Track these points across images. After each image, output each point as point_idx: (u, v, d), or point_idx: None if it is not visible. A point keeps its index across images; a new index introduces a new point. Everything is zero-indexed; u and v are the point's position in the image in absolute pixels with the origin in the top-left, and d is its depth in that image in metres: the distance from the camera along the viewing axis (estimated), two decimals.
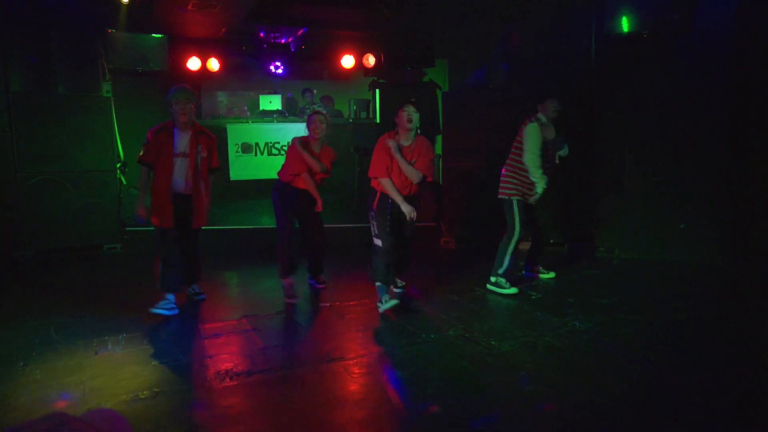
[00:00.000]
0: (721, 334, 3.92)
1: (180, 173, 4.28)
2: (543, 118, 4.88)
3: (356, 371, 3.30)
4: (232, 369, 3.30)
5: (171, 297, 4.31)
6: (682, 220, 5.83)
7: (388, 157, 4.26)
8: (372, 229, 4.48)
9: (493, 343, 3.69)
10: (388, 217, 4.36)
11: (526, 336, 3.81)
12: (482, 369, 3.31)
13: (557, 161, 5.08)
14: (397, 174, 4.28)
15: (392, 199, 4.29)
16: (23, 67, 6.28)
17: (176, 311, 4.30)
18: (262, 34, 8.49)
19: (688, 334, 3.87)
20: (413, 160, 4.27)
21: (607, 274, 5.59)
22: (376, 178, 4.34)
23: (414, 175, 4.24)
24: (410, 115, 4.22)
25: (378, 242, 4.41)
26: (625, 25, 5.69)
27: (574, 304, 4.55)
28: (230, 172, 8.32)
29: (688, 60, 5.74)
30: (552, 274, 5.37)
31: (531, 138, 4.77)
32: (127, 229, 6.75)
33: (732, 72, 5.55)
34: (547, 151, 4.90)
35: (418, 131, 4.40)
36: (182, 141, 4.29)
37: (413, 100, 4.35)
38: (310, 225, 4.95)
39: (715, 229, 5.72)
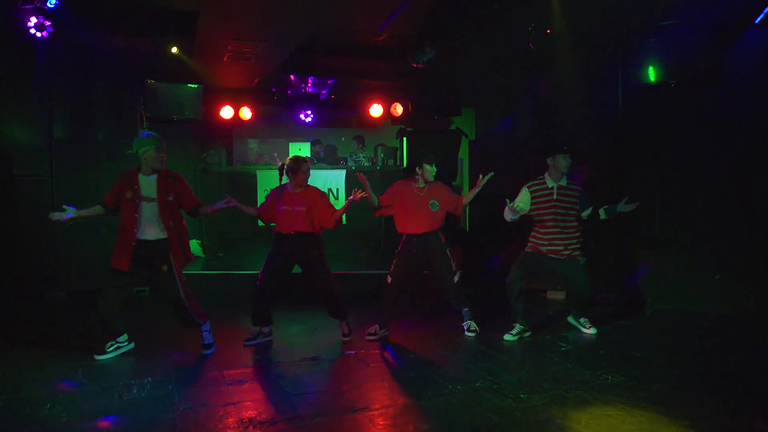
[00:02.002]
0: (763, 388, 3.73)
1: (147, 218, 4.24)
2: (549, 179, 4.93)
3: (381, 422, 3.22)
4: (255, 417, 3.26)
5: (121, 338, 4.46)
6: (718, 270, 5.66)
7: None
8: (391, 267, 5.00)
9: (522, 395, 3.57)
10: (408, 257, 4.91)
11: (556, 389, 3.68)
12: (511, 423, 3.20)
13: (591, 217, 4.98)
14: (412, 213, 4.91)
15: (415, 241, 4.89)
16: (67, 116, 6.59)
17: (131, 346, 4.48)
18: (293, 84, 8.78)
19: (728, 389, 3.69)
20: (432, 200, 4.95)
21: (641, 325, 5.42)
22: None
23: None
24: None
25: (389, 279, 4.96)
26: (652, 74, 5.72)
27: (607, 356, 4.41)
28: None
29: (719, 108, 5.70)
30: (593, 331, 5.03)
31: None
32: None
33: (766, 118, 5.47)
34: (553, 208, 4.88)
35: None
36: (148, 186, 4.28)
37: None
38: (312, 274, 4.80)
39: (752, 279, 5.53)
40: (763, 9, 5.34)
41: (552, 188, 4.90)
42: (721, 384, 3.80)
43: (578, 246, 4.91)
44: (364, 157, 9.14)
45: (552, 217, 4.86)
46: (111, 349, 4.37)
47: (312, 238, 4.79)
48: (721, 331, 5.14)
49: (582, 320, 5.12)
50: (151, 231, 4.26)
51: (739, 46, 5.59)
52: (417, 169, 4.98)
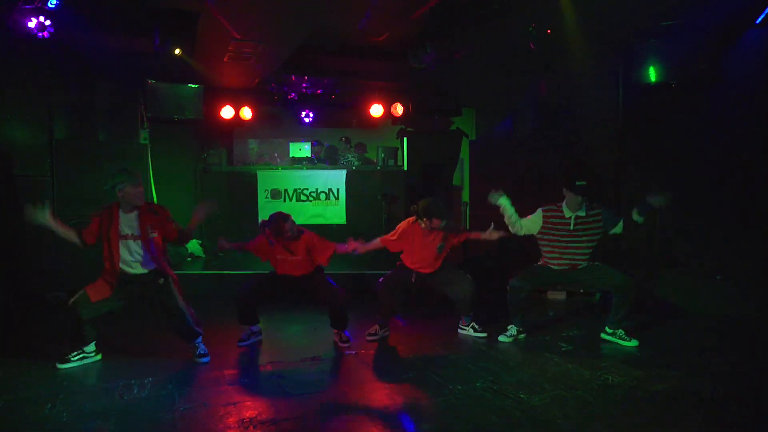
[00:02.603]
0: (762, 390, 3.73)
1: (133, 255, 4.14)
2: (566, 208, 4.67)
3: (381, 422, 3.22)
4: (256, 417, 3.26)
5: (88, 348, 4.23)
6: (718, 271, 5.66)
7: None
8: (389, 272, 5.06)
9: (522, 396, 3.57)
10: (403, 282, 4.93)
11: (556, 389, 3.68)
12: (511, 424, 3.20)
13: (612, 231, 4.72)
14: (418, 252, 4.88)
15: (416, 276, 4.90)
16: (68, 116, 6.59)
17: (97, 357, 4.26)
18: (293, 84, 8.79)
19: (728, 391, 3.69)
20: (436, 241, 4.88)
21: (641, 326, 5.41)
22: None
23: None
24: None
25: (381, 279, 4.97)
26: (652, 75, 5.72)
27: (607, 356, 4.40)
28: (259, 217, 8.45)
29: (720, 108, 5.70)
30: (634, 343, 4.64)
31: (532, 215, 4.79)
32: None
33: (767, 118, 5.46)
34: (571, 237, 4.67)
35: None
36: (129, 223, 4.13)
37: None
38: (316, 295, 4.79)
39: (753, 280, 5.53)
40: (764, 9, 5.35)
41: (569, 218, 4.65)
42: (722, 385, 3.79)
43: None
44: (353, 157, 9.16)
45: (572, 244, 4.68)
46: (76, 358, 4.17)
47: (312, 274, 4.82)
48: (721, 333, 5.14)
49: (619, 332, 4.72)
50: (137, 266, 4.17)
51: (740, 46, 5.60)
52: (425, 219, 4.79)
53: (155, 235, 4.18)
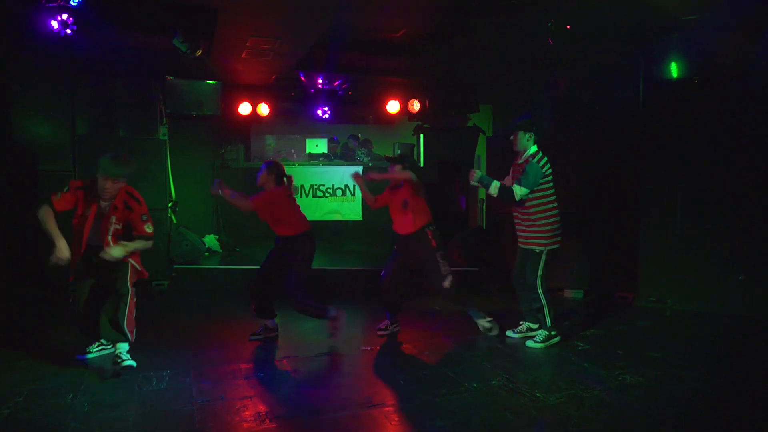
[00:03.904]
0: None
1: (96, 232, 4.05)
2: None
3: (396, 419, 3.23)
4: (272, 411, 3.29)
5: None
6: (741, 271, 5.55)
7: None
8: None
9: (538, 395, 3.56)
10: (396, 254, 4.92)
11: (572, 389, 3.66)
12: (527, 422, 3.19)
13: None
14: (393, 213, 4.98)
15: (400, 241, 4.90)
16: (89, 112, 6.69)
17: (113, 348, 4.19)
18: (310, 81, 8.81)
19: (748, 394, 3.63)
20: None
21: (659, 326, 5.35)
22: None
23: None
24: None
25: (383, 272, 4.94)
26: (674, 70, 5.61)
27: (624, 356, 4.36)
28: None
29: (743, 104, 5.56)
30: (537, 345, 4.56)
31: None
32: (174, 266, 6.93)
33: None
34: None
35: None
36: (103, 208, 4.05)
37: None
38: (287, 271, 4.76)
39: None
40: None
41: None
42: (741, 388, 3.74)
43: (533, 239, 4.51)
44: (362, 153, 9.20)
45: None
46: (96, 349, 4.27)
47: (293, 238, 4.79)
48: (742, 334, 5.05)
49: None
50: (96, 241, 4.09)
51: (764, 40, 5.46)
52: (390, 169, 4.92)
53: (118, 227, 4.05)
